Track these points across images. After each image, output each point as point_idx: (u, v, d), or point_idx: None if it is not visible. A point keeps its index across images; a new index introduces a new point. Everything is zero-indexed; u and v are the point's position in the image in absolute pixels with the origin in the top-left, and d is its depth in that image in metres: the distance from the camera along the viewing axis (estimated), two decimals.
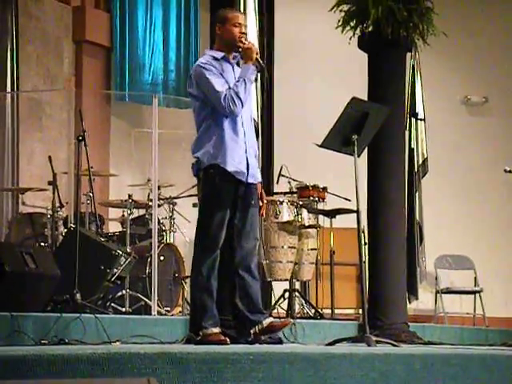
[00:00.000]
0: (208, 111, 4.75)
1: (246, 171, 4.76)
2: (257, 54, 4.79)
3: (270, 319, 4.78)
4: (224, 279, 4.77)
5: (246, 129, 4.81)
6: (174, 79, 9.59)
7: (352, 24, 6.78)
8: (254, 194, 4.86)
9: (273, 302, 7.19)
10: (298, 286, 7.26)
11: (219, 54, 4.82)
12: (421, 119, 8.16)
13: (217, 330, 4.66)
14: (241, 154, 4.75)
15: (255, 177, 4.84)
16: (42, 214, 7.19)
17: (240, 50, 4.79)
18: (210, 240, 4.70)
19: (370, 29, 6.69)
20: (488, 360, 3.82)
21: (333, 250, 7.37)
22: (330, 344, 4.95)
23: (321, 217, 7.32)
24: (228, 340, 4.61)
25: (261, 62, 4.82)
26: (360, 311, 7.89)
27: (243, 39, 4.79)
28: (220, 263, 4.75)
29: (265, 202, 5.01)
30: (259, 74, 5.75)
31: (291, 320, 4.98)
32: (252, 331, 4.73)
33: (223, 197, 4.71)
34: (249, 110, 4.89)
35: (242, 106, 4.70)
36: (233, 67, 4.86)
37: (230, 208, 4.72)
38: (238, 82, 4.71)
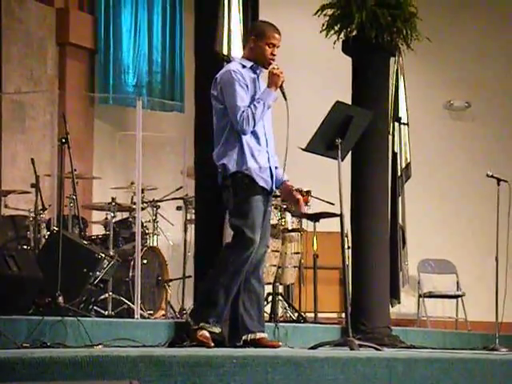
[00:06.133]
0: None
1: (270, 180, 4.79)
2: (283, 81, 4.79)
3: (264, 335, 4.82)
4: None
5: (268, 138, 4.83)
6: (159, 81, 9.58)
7: (336, 28, 6.81)
8: (271, 201, 4.92)
9: None
10: (281, 289, 7.26)
11: (248, 63, 4.83)
12: (404, 124, 8.18)
13: (217, 329, 4.68)
14: (264, 162, 4.77)
15: (275, 186, 4.86)
16: (24, 216, 7.16)
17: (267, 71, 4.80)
18: (245, 241, 4.66)
19: (354, 33, 6.72)
20: (470, 364, 3.84)
21: (316, 253, 7.39)
22: (313, 348, 4.95)
23: (304, 220, 7.33)
24: (212, 344, 4.62)
25: (284, 91, 4.80)
26: (343, 315, 7.90)
27: (272, 62, 4.79)
28: None
29: (301, 199, 4.97)
30: None
31: (281, 344, 5.01)
32: (244, 338, 4.75)
33: (254, 198, 4.71)
34: (270, 120, 4.90)
35: (254, 126, 4.70)
36: (257, 77, 4.86)
37: (262, 210, 4.72)
38: (258, 103, 4.71)
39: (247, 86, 4.75)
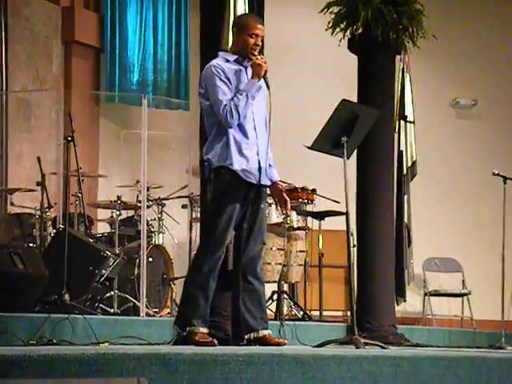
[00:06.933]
0: None
1: (257, 173, 4.75)
2: (266, 71, 4.77)
3: (268, 332, 4.77)
4: (225, 279, 4.75)
5: (258, 131, 4.80)
6: (165, 80, 9.58)
7: (342, 26, 6.81)
8: (264, 196, 4.87)
9: None
10: (286, 287, 7.25)
11: (232, 57, 4.81)
12: (410, 122, 8.18)
13: (205, 330, 4.65)
14: (252, 155, 4.73)
15: (267, 179, 4.83)
16: (30, 214, 7.18)
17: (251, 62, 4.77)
18: (216, 240, 4.65)
19: (359, 31, 6.71)
20: (475, 362, 3.84)
21: (321, 252, 7.39)
22: (319, 346, 4.95)
23: (310, 219, 7.33)
24: (216, 342, 4.61)
25: (268, 81, 4.78)
26: (348, 313, 7.90)
27: (256, 52, 4.76)
28: (224, 263, 4.74)
29: (288, 200, 4.95)
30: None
31: (286, 341, 4.98)
32: (246, 337, 4.73)
33: (233, 197, 4.68)
34: (262, 113, 4.87)
35: (239, 119, 4.68)
36: (246, 69, 4.82)
37: (239, 209, 4.70)
38: (240, 95, 4.69)
39: (229, 80, 4.73)
